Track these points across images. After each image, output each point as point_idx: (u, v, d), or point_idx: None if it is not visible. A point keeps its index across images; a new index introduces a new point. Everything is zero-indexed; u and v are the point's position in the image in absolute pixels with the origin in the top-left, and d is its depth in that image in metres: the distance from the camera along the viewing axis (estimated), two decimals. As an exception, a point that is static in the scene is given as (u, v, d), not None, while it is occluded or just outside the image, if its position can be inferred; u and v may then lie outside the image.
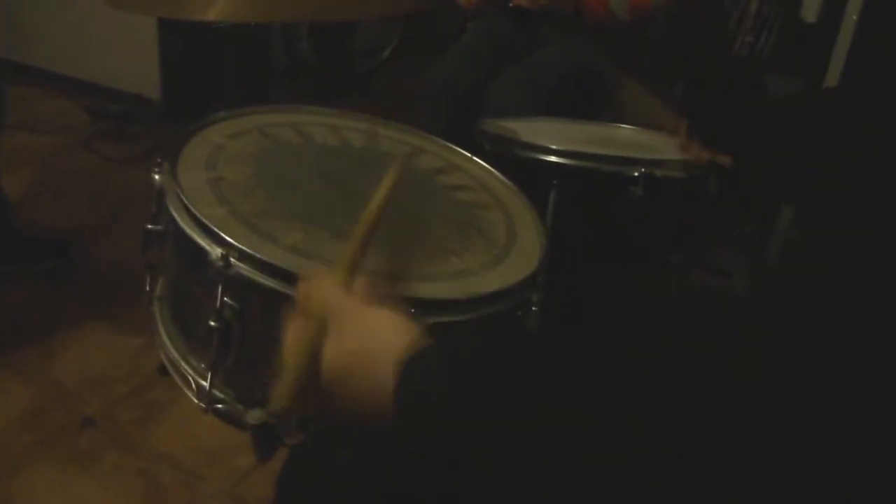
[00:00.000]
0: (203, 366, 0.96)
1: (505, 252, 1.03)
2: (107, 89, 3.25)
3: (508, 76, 2.02)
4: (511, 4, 2.17)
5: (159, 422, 1.71)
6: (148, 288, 1.09)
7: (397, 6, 1.46)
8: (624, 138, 1.73)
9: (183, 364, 1.00)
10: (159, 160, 1.02)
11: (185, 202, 0.92)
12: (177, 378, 1.02)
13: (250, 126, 1.18)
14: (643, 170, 1.46)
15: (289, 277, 0.84)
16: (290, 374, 0.65)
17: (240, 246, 0.86)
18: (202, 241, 0.89)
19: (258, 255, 0.86)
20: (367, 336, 0.62)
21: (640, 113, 1.88)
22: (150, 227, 1.03)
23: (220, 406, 0.95)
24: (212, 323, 0.89)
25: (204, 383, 0.95)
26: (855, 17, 1.89)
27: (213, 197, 0.96)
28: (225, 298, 0.88)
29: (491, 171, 1.25)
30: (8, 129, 2.29)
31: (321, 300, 0.66)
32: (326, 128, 1.23)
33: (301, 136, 1.20)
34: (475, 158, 1.26)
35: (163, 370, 1.08)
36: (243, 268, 0.86)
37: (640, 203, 1.48)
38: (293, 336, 0.67)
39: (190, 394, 0.99)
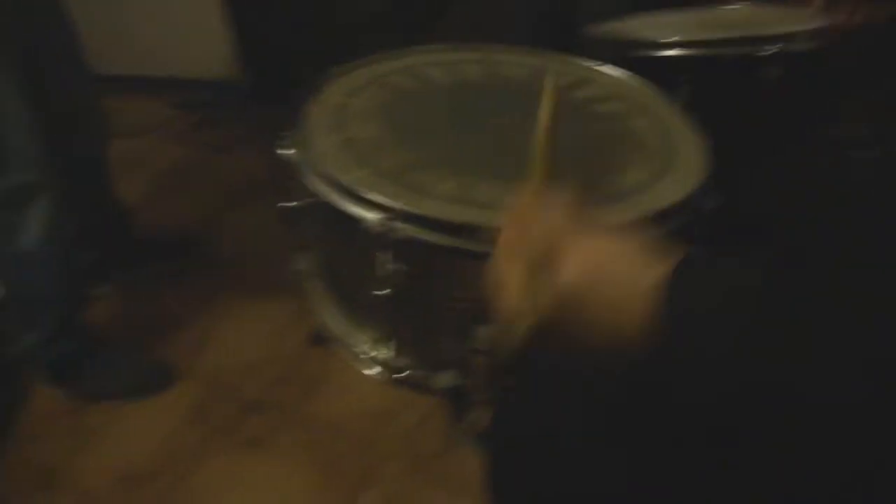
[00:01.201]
0: (374, 336, 0.91)
1: (668, 159, 0.93)
2: (188, 81, 3.23)
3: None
4: None
5: (320, 394, 1.69)
6: (294, 265, 1.05)
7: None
8: (742, 17, 1.57)
9: (350, 338, 0.95)
10: (283, 134, 0.95)
11: (325, 170, 0.86)
12: (346, 353, 0.97)
13: (366, 79, 1.10)
14: (778, 47, 1.30)
15: (454, 229, 0.77)
16: (522, 309, 0.60)
17: (396, 205, 0.79)
18: (354, 209, 0.82)
19: (418, 212, 0.78)
20: (612, 258, 0.57)
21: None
22: (285, 204, 0.98)
23: (401, 375, 0.90)
24: (380, 291, 0.83)
25: (379, 354, 0.90)
26: None
27: (351, 159, 0.89)
28: (390, 263, 0.81)
29: (621, 78, 1.14)
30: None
31: (545, 228, 0.61)
32: (441, 66, 1.15)
33: (419, 80, 1.11)
34: (602, 67, 1.16)
35: (316, 340, 1.04)
36: (404, 227, 0.79)
37: (778, 84, 1.33)
38: (511, 269, 0.62)
39: (362, 367, 0.94)
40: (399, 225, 0.79)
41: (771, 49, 1.32)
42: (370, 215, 0.80)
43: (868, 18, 1.24)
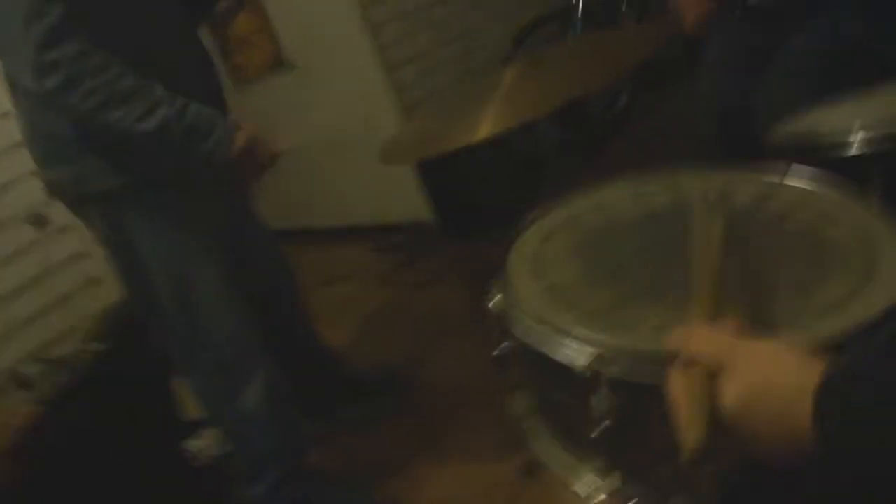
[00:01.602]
0: (597, 468, 0.93)
1: (868, 270, 0.90)
2: (384, 226, 3.48)
3: (771, 74, 1.87)
4: (748, 2, 2.03)
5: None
6: (509, 407, 1.10)
7: (633, 56, 1.41)
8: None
9: (571, 471, 0.98)
10: (489, 288, 1.03)
11: (532, 316, 0.92)
12: (566, 486, 1.00)
13: (558, 222, 1.17)
14: None
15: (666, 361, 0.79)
16: (693, 418, 0.66)
17: (607, 345, 0.84)
18: (565, 352, 0.87)
19: (629, 348, 0.82)
20: (772, 369, 0.63)
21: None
22: (496, 353, 1.04)
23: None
24: (597, 429, 0.86)
25: (603, 486, 0.92)
26: None
27: (556, 304, 0.95)
28: (604, 403, 0.85)
29: (807, 188, 1.13)
30: (313, 288, 2.50)
31: (712, 346, 0.69)
32: (628, 199, 1.20)
33: (609, 217, 1.16)
34: (787, 176, 1.16)
35: (533, 471, 1.07)
36: (616, 367, 0.83)
37: None
38: (684, 384, 0.70)
39: (588, 500, 0.96)
40: (610, 366, 0.83)
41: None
42: (582, 358, 0.85)
43: None
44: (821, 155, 1.36)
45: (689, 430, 0.66)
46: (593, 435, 0.86)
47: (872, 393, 0.55)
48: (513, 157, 3.01)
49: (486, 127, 1.21)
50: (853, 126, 1.34)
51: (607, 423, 0.85)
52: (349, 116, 3.29)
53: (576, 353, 0.86)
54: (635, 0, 3.86)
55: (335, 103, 3.33)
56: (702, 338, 0.71)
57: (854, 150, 1.30)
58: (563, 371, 0.88)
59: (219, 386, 1.75)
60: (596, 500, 0.92)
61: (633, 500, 0.89)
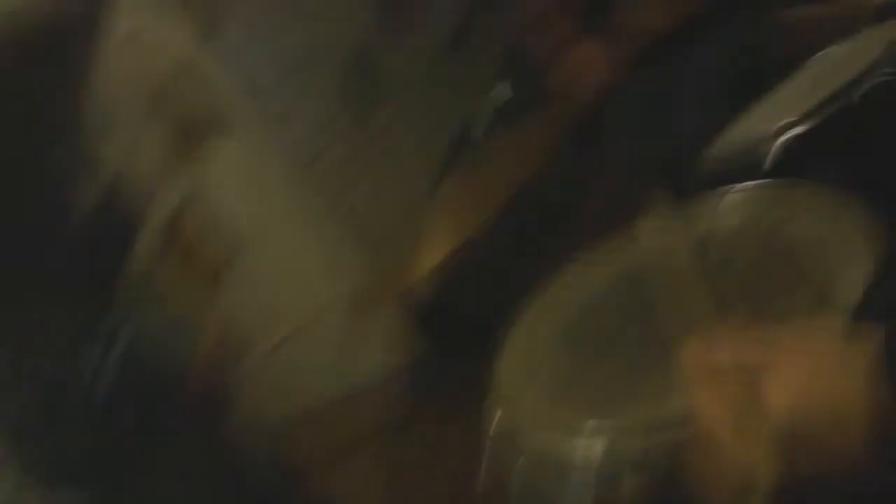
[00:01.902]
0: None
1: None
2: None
3: (677, 108, 1.89)
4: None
5: None
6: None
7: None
8: (836, 62, 1.44)
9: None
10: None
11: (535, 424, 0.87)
12: None
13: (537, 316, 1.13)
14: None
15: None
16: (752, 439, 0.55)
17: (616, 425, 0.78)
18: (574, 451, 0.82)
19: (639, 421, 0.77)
20: (820, 354, 0.55)
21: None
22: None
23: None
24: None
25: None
26: None
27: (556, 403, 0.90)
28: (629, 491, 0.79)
29: (755, 194, 1.11)
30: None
31: (742, 346, 0.59)
32: (592, 268, 1.16)
33: (578, 290, 1.13)
34: (726, 192, 1.14)
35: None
36: (634, 445, 0.77)
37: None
38: (720, 403, 0.58)
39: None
40: (624, 445, 0.77)
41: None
42: (594, 449, 0.79)
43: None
44: (757, 159, 1.35)
45: (754, 460, 0.56)
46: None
47: None
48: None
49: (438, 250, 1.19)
50: (779, 116, 1.31)
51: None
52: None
53: (585, 445, 0.80)
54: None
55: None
56: (726, 340, 0.61)
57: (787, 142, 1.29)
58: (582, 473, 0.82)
59: None
60: None
61: None
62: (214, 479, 1.74)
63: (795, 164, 1.22)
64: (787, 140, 1.25)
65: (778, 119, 1.28)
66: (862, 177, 1.12)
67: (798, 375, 0.54)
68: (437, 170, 3.66)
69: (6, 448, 1.40)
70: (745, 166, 1.33)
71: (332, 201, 3.30)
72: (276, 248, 3.32)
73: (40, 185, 1.54)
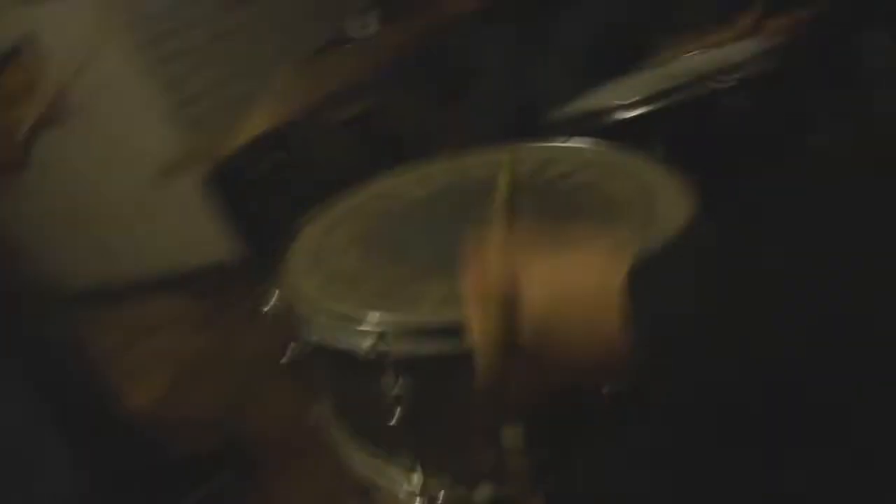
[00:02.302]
0: (403, 467, 0.84)
1: (648, 213, 0.88)
2: (192, 272, 3.26)
3: (542, 66, 1.89)
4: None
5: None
6: (317, 417, 0.99)
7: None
8: (696, 62, 1.53)
9: (384, 477, 0.88)
10: (262, 291, 0.92)
11: (310, 312, 0.82)
12: (388, 495, 0.90)
13: (339, 215, 1.08)
14: (737, 76, 1.28)
15: (450, 332, 0.72)
16: (489, 333, 0.57)
17: (386, 323, 0.75)
18: (346, 341, 0.78)
19: (412, 322, 0.74)
20: (577, 266, 0.56)
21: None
22: (285, 360, 0.93)
23: (438, 500, 0.82)
24: (393, 419, 0.77)
25: (411, 484, 0.82)
26: None
27: (334, 293, 0.85)
28: (396, 389, 0.76)
29: (587, 148, 1.12)
30: (125, 345, 2.26)
31: (506, 254, 0.60)
32: (413, 183, 1.13)
33: (393, 201, 1.09)
34: (567, 143, 1.13)
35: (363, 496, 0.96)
36: (399, 345, 0.74)
37: (746, 112, 1.30)
38: (480, 303, 0.60)
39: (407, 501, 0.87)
40: (394, 346, 0.74)
41: (730, 81, 1.29)
42: (364, 342, 0.75)
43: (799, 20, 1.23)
44: (600, 125, 1.38)
45: (485, 349, 0.57)
46: (389, 430, 0.77)
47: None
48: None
49: (255, 125, 1.11)
50: (626, 94, 1.37)
51: (400, 410, 0.76)
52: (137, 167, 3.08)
53: (358, 337, 0.76)
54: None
55: (123, 159, 3.10)
56: (494, 249, 0.61)
57: (629, 114, 1.33)
58: (351, 365, 0.79)
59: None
60: (405, 499, 0.83)
61: (440, 496, 0.81)
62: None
63: (629, 135, 1.28)
64: (629, 114, 1.34)
65: (625, 96, 1.35)
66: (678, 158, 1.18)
67: (556, 285, 0.55)
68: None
69: None
70: (587, 128, 1.37)
71: (175, 80, 3.10)
72: (105, 113, 3.08)
73: None
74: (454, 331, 0.71)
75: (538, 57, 1.92)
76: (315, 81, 1.20)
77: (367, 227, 1.02)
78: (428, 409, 0.76)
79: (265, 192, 2.95)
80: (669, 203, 0.88)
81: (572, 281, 0.54)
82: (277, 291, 0.90)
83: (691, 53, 1.59)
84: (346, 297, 0.83)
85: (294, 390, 1.06)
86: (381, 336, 0.74)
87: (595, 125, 1.39)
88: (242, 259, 3.13)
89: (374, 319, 0.76)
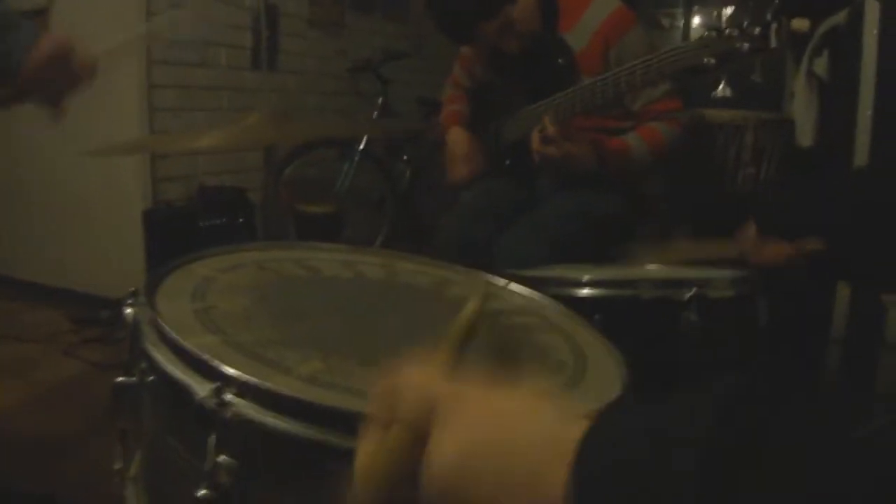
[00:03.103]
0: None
1: (579, 373, 0.77)
2: (93, 296, 3.03)
3: (516, 231, 1.83)
4: (507, 163, 2.03)
5: None
6: (120, 465, 0.81)
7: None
8: (654, 272, 1.50)
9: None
10: (132, 290, 0.77)
11: (165, 334, 0.67)
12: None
13: (246, 261, 0.94)
14: (695, 290, 1.22)
15: (312, 413, 0.58)
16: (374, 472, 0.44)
17: (240, 376, 0.60)
18: (186, 378, 0.63)
19: (267, 387, 0.59)
20: (516, 416, 0.42)
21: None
22: (120, 379, 0.77)
23: None
24: (201, 493, 0.60)
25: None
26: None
27: (202, 326, 0.71)
28: (220, 456, 0.60)
29: (529, 296, 1.02)
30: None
31: (422, 391, 0.45)
32: (338, 263, 1.00)
33: (307, 270, 0.96)
34: (511, 285, 1.03)
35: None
36: (245, 406, 0.59)
37: (693, 327, 1.23)
38: (373, 448, 0.45)
39: None
40: (240, 400, 0.59)
41: (688, 293, 1.23)
42: (203, 387, 0.60)
43: (789, 260, 1.18)
44: (549, 292, 1.29)
45: (368, 474, 0.44)
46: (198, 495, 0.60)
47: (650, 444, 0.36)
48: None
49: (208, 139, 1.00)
50: (582, 274, 1.31)
51: (205, 491, 0.59)
52: (93, 174, 2.93)
53: (195, 382, 0.61)
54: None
55: (85, 161, 2.94)
56: (412, 380, 0.47)
57: (577, 291, 1.26)
58: (180, 410, 0.63)
59: None
60: None
61: None
62: None
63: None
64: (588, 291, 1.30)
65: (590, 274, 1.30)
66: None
67: (479, 435, 0.41)
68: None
69: None
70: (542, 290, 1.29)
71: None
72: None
73: None
74: (317, 415, 0.58)
75: (513, 219, 1.88)
76: (284, 132, 1.10)
77: (270, 281, 0.88)
78: (242, 499, 0.60)
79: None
80: (601, 372, 0.77)
81: (507, 427, 0.41)
82: (141, 301, 0.75)
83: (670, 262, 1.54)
84: (214, 334, 0.69)
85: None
86: (230, 385, 0.59)
87: (544, 290, 1.31)
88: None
89: (229, 367, 0.61)
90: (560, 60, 1.93)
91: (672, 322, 1.25)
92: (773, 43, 1.34)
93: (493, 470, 0.39)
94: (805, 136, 2.00)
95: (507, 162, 2.05)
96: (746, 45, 1.34)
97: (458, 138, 2.11)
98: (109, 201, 2.98)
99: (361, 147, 3.52)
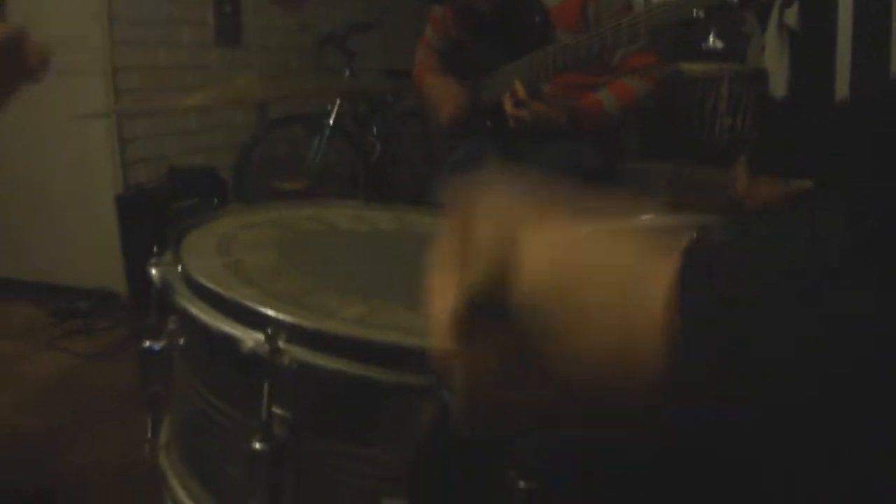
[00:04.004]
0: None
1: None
2: (71, 288, 2.95)
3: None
4: (487, 124, 2.01)
5: None
6: (150, 434, 0.78)
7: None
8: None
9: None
10: (155, 250, 0.74)
11: (201, 288, 0.64)
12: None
13: (261, 219, 0.92)
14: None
15: (366, 352, 0.56)
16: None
17: (291, 321, 0.58)
18: (231, 329, 0.60)
19: (320, 329, 0.57)
20: (601, 241, 0.36)
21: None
22: (147, 343, 0.74)
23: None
24: (256, 446, 0.58)
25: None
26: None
27: (237, 279, 0.69)
28: (274, 407, 0.58)
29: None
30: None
31: (501, 217, 0.38)
32: (349, 217, 0.98)
33: (324, 225, 0.93)
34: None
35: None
36: (298, 350, 0.57)
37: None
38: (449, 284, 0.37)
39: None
40: (292, 346, 0.57)
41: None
42: (252, 334, 0.58)
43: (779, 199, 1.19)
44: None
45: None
46: (249, 462, 0.58)
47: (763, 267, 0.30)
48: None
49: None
50: None
51: (261, 445, 0.57)
52: (60, 162, 2.84)
53: (241, 332, 0.59)
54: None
55: (50, 148, 2.85)
56: (487, 207, 0.39)
57: None
58: (224, 365, 0.61)
59: None
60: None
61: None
62: None
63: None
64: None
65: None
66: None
67: (566, 262, 0.35)
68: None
69: None
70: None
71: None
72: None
73: None
74: (370, 353, 0.56)
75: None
76: (274, 87, 1.07)
77: (290, 237, 0.86)
78: (309, 450, 0.58)
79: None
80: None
81: (592, 260, 0.35)
82: (169, 259, 0.72)
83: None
84: (251, 286, 0.66)
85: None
86: (281, 332, 0.57)
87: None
88: (127, 294, 2.89)
89: (276, 313, 0.59)
90: (536, 18, 1.92)
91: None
92: (764, -6, 1.34)
93: (579, 300, 0.34)
94: (778, 86, 2.02)
95: (487, 122, 2.03)
96: (736, -4, 1.33)
97: (436, 81, 2.09)
98: (79, 188, 2.90)
99: (331, 122, 3.46)
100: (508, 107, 1.72)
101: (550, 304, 0.34)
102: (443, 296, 0.38)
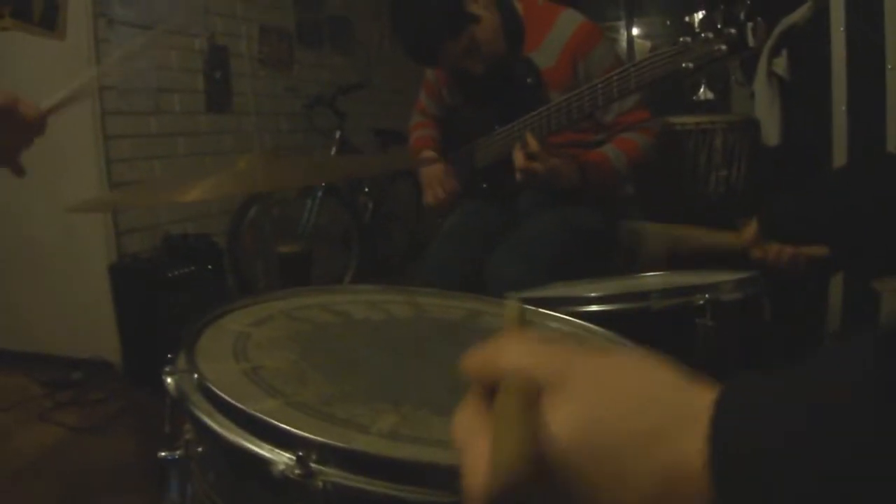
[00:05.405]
0: None
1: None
2: (63, 358, 2.89)
3: (504, 251, 1.78)
4: (484, 186, 2.00)
5: None
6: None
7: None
8: (657, 282, 1.48)
9: None
10: (169, 357, 0.70)
11: (222, 398, 0.61)
12: None
13: (274, 311, 0.88)
14: (708, 296, 1.20)
15: (401, 471, 0.52)
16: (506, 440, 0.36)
17: (321, 441, 0.54)
18: (255, 448, 0.56)
19: (353, 449, 0.53)
20: (634, 384, 0.37)
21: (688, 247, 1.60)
22: (163, 454, 0.70)
23: None
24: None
25: None
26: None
27: (258, 389, 0.65)
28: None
29: (572, 323, 0.98)
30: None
31: (532, 357, 0.39)
32: (363, 304, 0.95)
33: (338, 316, 0.90)
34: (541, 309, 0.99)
35: None
36: (332, 473, 0.53)
37: (708, 333, 1.21)
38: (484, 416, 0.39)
39: None
40: (320, 468, 0.53)
41: (701, 299, 1.21)
42: (281, 457, 0.54)
43: (792, 262, 1.16)
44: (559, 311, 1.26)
45: (500, 451, 0.36)
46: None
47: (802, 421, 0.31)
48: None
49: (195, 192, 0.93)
50: (589, 290, 1.28)
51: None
52: (54, 232, 2.80)
53: (275, 451, 0.55)
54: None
55: (43, 217, 2.82)
56: (516, 348, 0.41)
57: (590, 308, 1.23)
58: (255, 483, 0.57)
59: None
60: None
61: None
62: None
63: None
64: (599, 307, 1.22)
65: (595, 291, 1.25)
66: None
67: (596, 405, 0.36)
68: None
69: None
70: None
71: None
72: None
73: None
74: (406, 473, 0.52)
75: (499, 241, 1.84)
76: (279, 172, 1.04)
77: (305, 331, 0.82)
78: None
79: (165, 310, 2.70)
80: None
81: (627, 396, 0.36)
82: (182, 367, 0.68)
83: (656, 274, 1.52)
84: (274, 397, 0.62)
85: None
86: (313, 453, 0.53)
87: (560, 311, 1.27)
88: (121, 363, 2.83)
89: (307, 433, 0.55)
90: (529, 80, 1.91)
91: (688, 329, 1.22)
92: (751, 42, 1.33)
93: (609, 444, 0.35)
94: (771, 135, 2.02)
95: (484, 185, 2.01)
96: (724, 48, 1.33)
97: (424, 161, 2.08)
98: (72, 259, 2.86)
99: (322, 183, 3.45)
100: (520, 160, 1.68)
101: (586, 469, 0.35)
102: (473, 457, 0.38)
